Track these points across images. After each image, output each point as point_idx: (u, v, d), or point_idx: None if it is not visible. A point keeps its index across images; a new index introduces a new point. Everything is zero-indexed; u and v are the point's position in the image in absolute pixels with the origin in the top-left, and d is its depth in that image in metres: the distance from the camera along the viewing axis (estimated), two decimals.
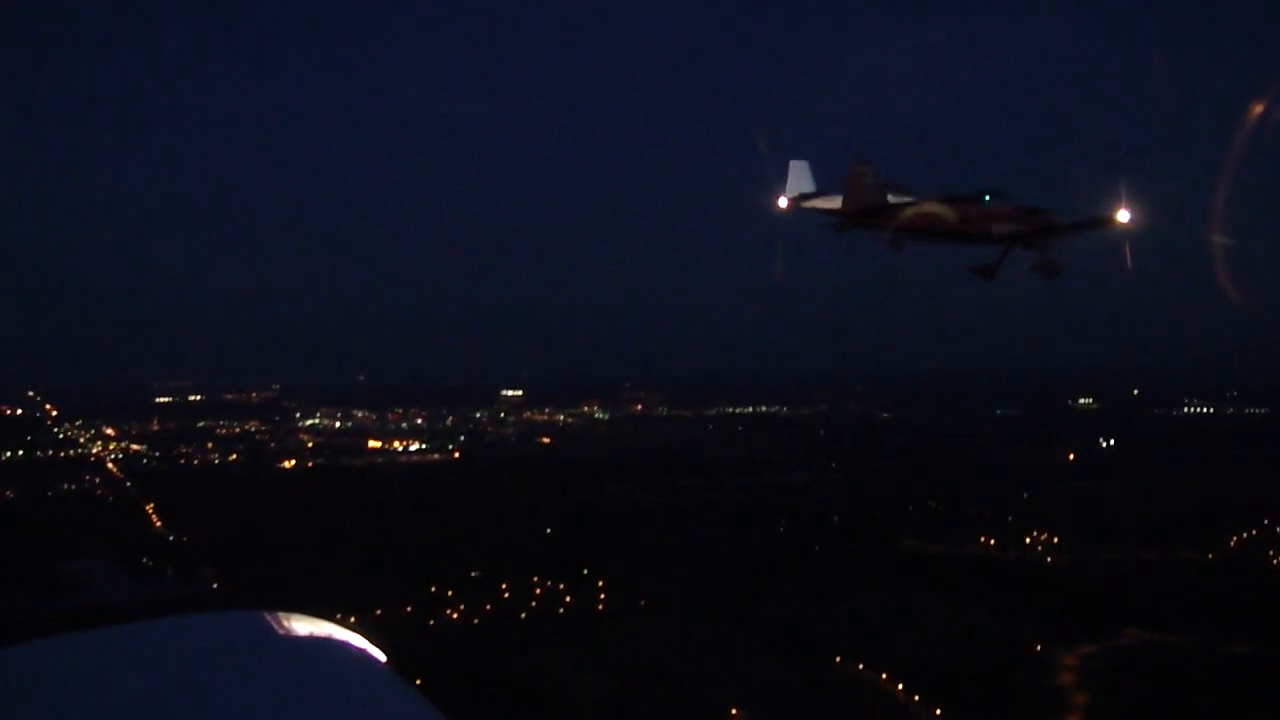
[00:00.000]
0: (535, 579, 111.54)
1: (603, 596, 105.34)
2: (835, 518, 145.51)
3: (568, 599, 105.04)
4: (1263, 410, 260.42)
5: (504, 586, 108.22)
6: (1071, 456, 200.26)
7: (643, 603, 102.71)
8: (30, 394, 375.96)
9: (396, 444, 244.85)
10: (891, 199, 34.61)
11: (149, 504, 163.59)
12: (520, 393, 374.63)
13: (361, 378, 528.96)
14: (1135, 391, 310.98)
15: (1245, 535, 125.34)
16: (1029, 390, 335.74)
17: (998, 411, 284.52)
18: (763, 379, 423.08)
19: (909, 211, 34.88)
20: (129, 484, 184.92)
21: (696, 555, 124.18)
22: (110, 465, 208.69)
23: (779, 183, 36.53)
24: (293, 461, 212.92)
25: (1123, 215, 32.56)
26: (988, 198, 35.91)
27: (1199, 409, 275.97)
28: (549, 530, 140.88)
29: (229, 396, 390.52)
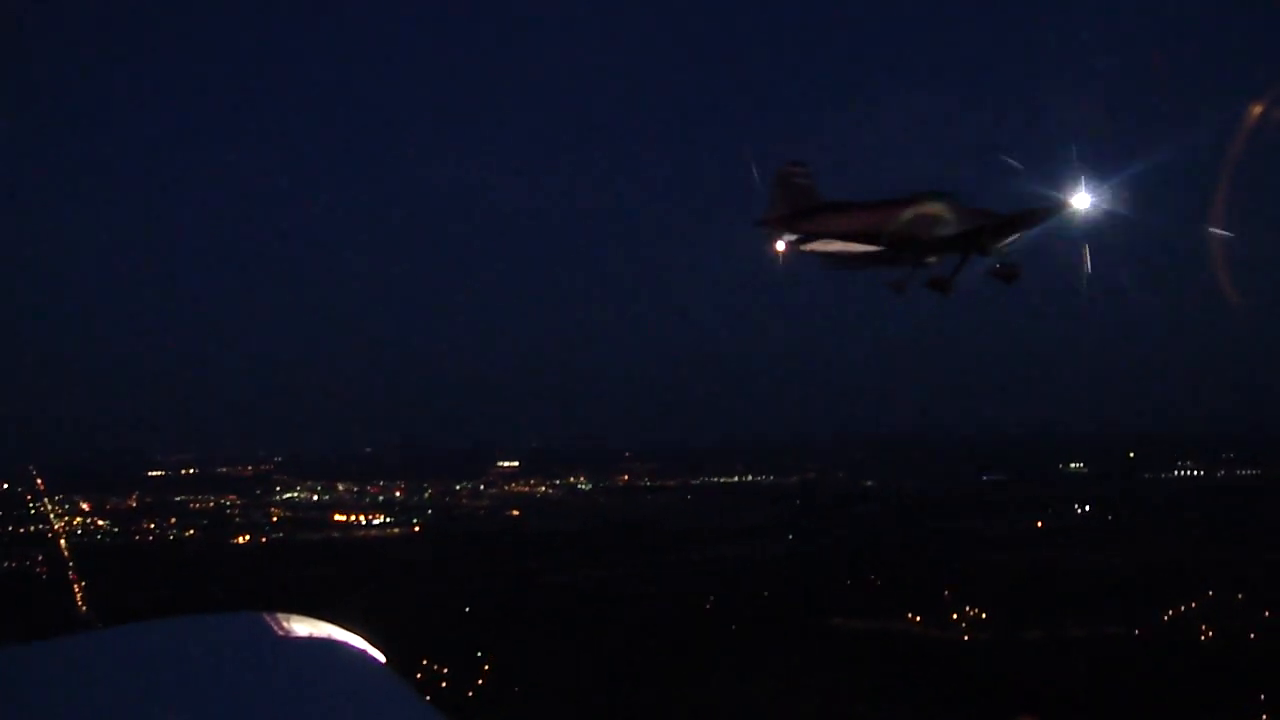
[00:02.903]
0: (425, 662, 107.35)
1: (480, 682, 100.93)
2: (767, 593, 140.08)
3: (443, 684, 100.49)
4: (1255, 472, 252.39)
5: None
6: (1040, 524, 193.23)
7: (518, 689, 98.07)
8: (30, 468, 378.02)
9: (362, 518, 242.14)
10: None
11: (81, 582, 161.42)
12: (516, 463, 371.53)
13: (369, 449, 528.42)
14: (1130, 454, 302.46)
15: (1182, 608, 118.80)
16: (1025, 454, 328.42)
17: (984, 477, 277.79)
18: (767, 445, 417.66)
19: (847, 215, 31.01)
20: (72, 561, 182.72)
21: (604, 635, 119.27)
22: (63, 541, 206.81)
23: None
24: (247, 537, 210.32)
25: (1080, 200, 28.30)
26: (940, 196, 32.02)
27: (1190, 471, 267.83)
28: (466, 609, 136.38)
29: (223, 469, 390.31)
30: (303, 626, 8.43)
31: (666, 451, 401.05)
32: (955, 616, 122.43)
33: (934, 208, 31.24)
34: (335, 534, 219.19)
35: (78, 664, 7.54)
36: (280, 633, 8.21)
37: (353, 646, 8.43)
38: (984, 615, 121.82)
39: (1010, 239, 31.62)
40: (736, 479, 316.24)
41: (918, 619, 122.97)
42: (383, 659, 8.39)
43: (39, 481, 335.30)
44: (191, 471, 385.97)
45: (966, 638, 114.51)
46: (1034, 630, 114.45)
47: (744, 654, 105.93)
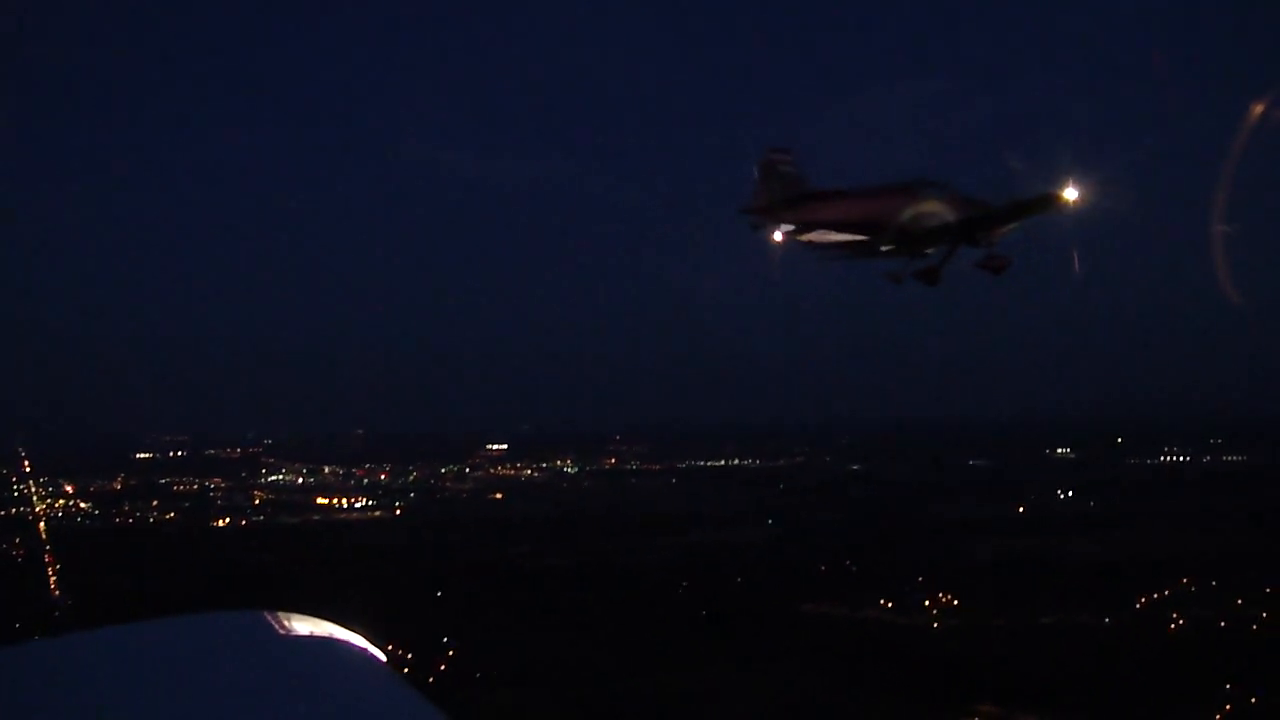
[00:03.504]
0: (389, 647, 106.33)
1: (443, 667, 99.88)
2: (740, 579, 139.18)
3: (405, 670, 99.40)
4: (1240, 458, 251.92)
5: None
6: (1021, 509, 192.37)
7: (479, 675, 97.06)
8: (19, 450, 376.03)
9: (344, 501, 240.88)
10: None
11: (56, 565, 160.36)
12: (505, 446, 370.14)
13: (360, 431, 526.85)
14: (1119, 440, 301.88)
15: (1155, 596, 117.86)
16: (1013, 440, 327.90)
17: (970, 462, 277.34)
18: (756, 430, 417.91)
19: (833, 204, 29.85)
20: (49, 544, 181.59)
21: (574, 620, 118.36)
22: (43, 524, 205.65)
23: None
24: (227, 520, 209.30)
25: (1070, 193, 27.04)
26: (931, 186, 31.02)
27: (1176, 457, 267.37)
28: (438, 593, 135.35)
29: (211, 452, 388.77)
30: (304, 625, 8.39)
31: (655, 436, 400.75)
32: (926, 603, 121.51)
33: (926, 197, 30.33)
34: (315, 517, 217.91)
35: (79, 663, 7.50)
36: (282, 632, 8.15)
37: (354, 645, 8.42)
38: (955, 602, 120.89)
39: (1003, 230, 30.79)
40: (724, 463, 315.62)
41: (890, 605, 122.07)
42: (383, 658, 8.36)
43: (25, 463, 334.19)
44: (180, 454, 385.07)
45: (937, 625, 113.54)
46: (1004, 617, 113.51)
47: (715, 642, 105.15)
